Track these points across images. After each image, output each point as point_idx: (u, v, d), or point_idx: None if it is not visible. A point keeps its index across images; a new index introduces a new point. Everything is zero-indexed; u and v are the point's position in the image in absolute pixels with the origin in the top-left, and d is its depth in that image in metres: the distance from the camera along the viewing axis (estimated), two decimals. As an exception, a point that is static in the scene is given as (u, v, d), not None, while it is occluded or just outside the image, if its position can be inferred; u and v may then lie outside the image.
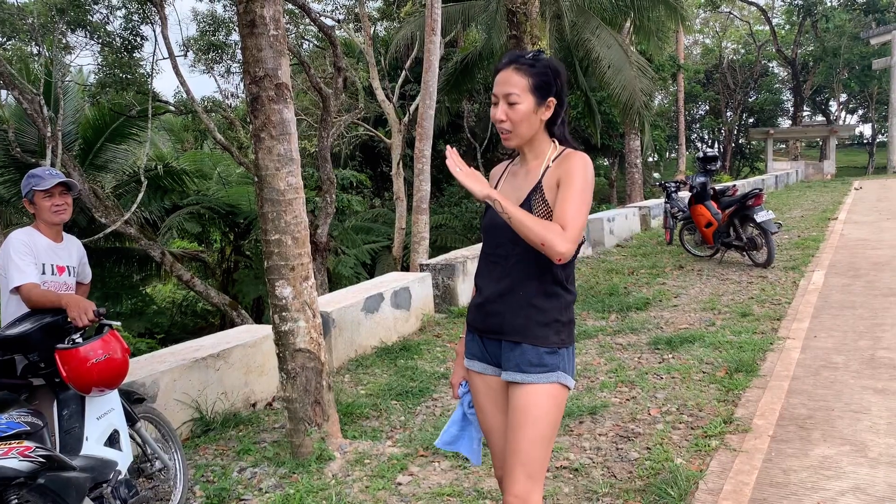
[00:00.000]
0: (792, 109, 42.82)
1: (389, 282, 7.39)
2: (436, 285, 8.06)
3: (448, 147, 2.26)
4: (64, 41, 13.54)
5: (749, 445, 3.90)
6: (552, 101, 2.24)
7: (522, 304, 2.24)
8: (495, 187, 2.39)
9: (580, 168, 2.18)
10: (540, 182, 2.23)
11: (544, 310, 2.23)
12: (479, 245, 3.49)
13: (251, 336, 5.43)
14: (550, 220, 2.16)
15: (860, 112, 47.28)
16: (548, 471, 3.81)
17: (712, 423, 4.26)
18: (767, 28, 40.85)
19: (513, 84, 2.19)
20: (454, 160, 2.16)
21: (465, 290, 8.10)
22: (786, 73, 44.20)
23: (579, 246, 2.21)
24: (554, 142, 2.30)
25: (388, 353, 6.42)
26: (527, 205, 2.22)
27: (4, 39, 15.10)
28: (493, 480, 3.74)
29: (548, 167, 2.25)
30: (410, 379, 5.63)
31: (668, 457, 3.83)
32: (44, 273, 3.35)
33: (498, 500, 3.55)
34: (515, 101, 2.19)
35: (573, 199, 2.13)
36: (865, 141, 48.37)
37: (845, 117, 48.53)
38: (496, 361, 2.35)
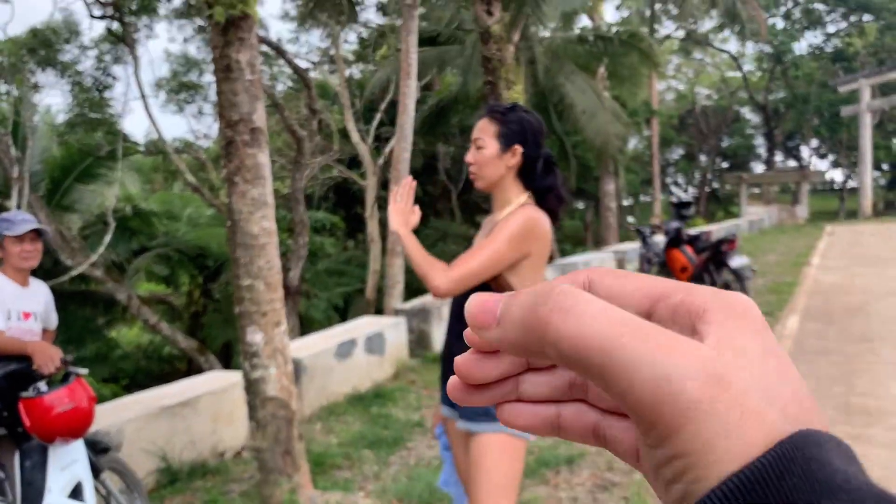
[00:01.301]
0: (765, 154, 43.73)
1: (363, 326, 7.28)
2: (410, 330, 7.96)
3: (408, 178, 2.37)
4: (33, 80, 13.44)
5: (730, 496, 3.83)
6: (517, 148, 2.29)
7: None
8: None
9: (511, 221, 2.23)
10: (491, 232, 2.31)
11: None
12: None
13: (220, 383, 5.29)
14: (500, 279, 2.25)
15: (831, 157, 48.40)
16: (525, 524, 3.71)
17: (692, 472, 4.19)
18: (739, 74, 41.91)
19: (482, 130, 2.31)
20: (401, 191, 2.31)
21: (439, 335, 8.00)
22: (758, 119, 45.22)
23: None
24: (525, 195, 2.34)
25: (360, 401, 6.29)
26: None
27: (-26, 78, 14.96)
28: (470, 535, 3.63)
29: (501, 218, 2.31)
30: (384, 427, 5.50)
31: (648, 509, 3.76)
32: (9, 319, 3.25)
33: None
34: (481, 145, 2.30)
35: (482, 246, 2.22)
36: (837, 186, 49.43)
37: (817, 163, 49.63)
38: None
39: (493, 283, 2.24)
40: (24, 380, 3.06)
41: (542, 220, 2.27)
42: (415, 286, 18.28)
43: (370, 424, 5.61)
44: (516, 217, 2.24)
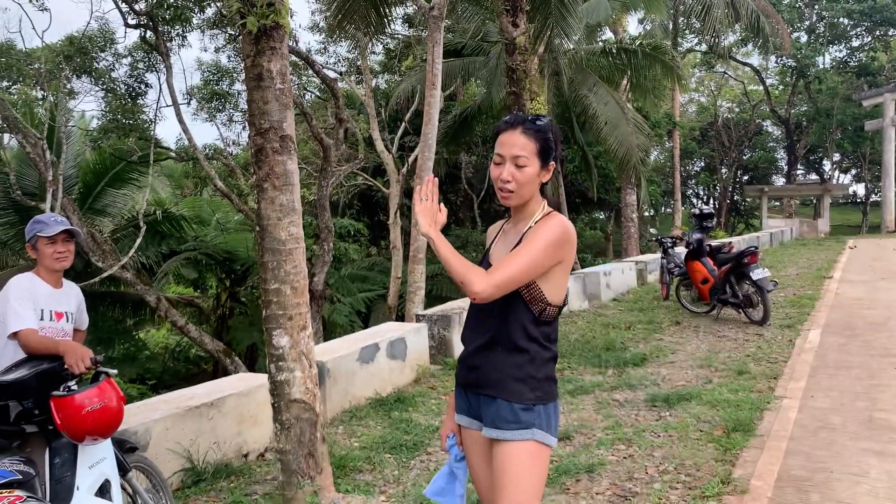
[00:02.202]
0: (786, 168, 43.35)
1: (385, 332, 7.36)
2: (431, 336, 8.03)
3: (430, 175, 2.32)
4: (69, 87, 13.73)
5: (747, 507, 3.86)
6: (552, 165, 2.30)
7: (499, 359, 2.26)
8: (490, 245, 2.49)
9: (546, 228, 2.24)
10: (520, 241, 2.29)
11: (519, 365, 2.25)
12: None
13: (245, 385, 5.39)
14: (532, 284, 2.24)
15: (853, 171, 47.86)
16: (544, 530, 3.75)
17: (710, 483, 4.21)
18: (762, 88, 41.65)
19: (521, 146, 2.24)
20: (426, 189, 2.26)
21: (460, 342, 8.05)
22: (780, 132, 44.87)
23: (559, 309, 2.28)
24: (544, 202, 2.36)
25: (382, 405, 6.36)
26: None
27: (10, 84, 15.29)
28: (488, 539, 3.68)
29: (530, 227, 2.31)
30: (405, 432, 5.57)
31: (666, 517, 3.78)
32: (42, 319, 3.35)
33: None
34: (524, 163, 2.25)
35: (519, 252, 2.21)
36: (859, 200, 48.85)
37: (839, 176, 49.09)
38: (479, 416, 2.37)
39: (525, 289, 2.25)
40: (55, 379, 3.12)
41: (572, 228, 2.30)
42: (436, 293, 18.35)
43: (391, 429, 5.68)
44: (552, 225, 2.24)
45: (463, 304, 8.94)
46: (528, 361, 2.25)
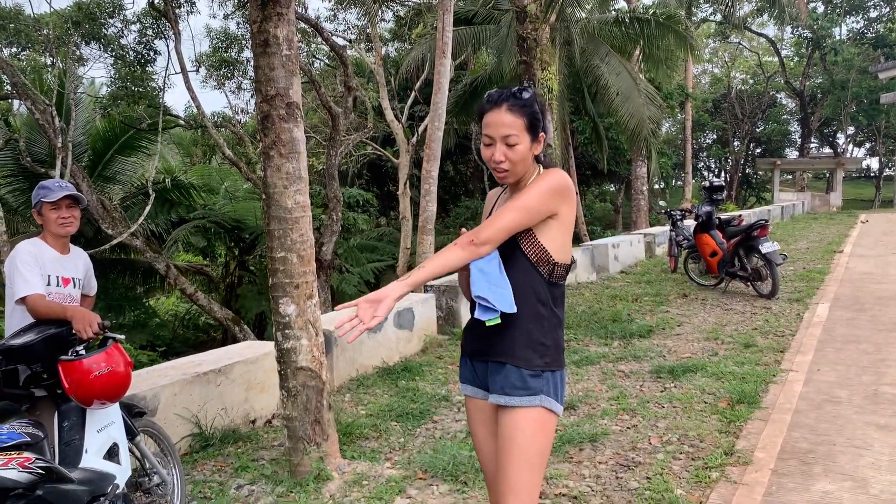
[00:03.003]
0: (799, 141, 42.89)
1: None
2: (439, 306, 8.06)
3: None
4: (77, 53, 13.68)
5: (750, 478, 3.88)
6: (542, 136, 2.28)
7: (507, 325, 2.25)
8: (491, 211, 2.49)
9: (541, 178, 2.24)
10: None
11: (528, 331, 2.24)
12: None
13: (253, 352, 5.43)
14: (531, 235, 2.23)
15: (868, 145, 47.31)
16: (546, 497, 3.79)
17: (713, 454, 4.23)
18: (776, 59, 41.06)
19: (509, 125, 2.21)
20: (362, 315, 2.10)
21: (468, 312, 8.07)
22: (794, 105, 44.32)
23: (566, 269, 2.28)
24: (539, 167, 2.34)
25: (389, 374, 6.41)
26: None
27: (19, 50, 15.24)
28: (492, 506, 3.72)
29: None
30: (411, 400, 5.61)
31: (669, 487, 3.81)
32: (49, 284, 3.36)
33: (495, 525, 3.52)
34: (515, 142, 2.22)
35: (513, 203, 2.20)
36: (872, 174, 48.39)
37: (853, 150, 48.56)
38: (485, 385, 2.38)
39: (528, 246, 2.24)
40: (63, 344, 3.16)
41: (570, 181, 2.28)
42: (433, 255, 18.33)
43: (398, 397, 5.73)
44: (548, 176, 2.24)
45: (470, 274, 8.94)
46: (538, 327, 2.25)
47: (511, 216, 2.18)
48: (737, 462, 4.12)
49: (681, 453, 4.33)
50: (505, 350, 2.26)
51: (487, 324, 2.23)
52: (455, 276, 8.84)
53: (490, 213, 2.48)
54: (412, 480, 4.11)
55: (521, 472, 2.21)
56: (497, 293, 2.22)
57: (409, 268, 15.01)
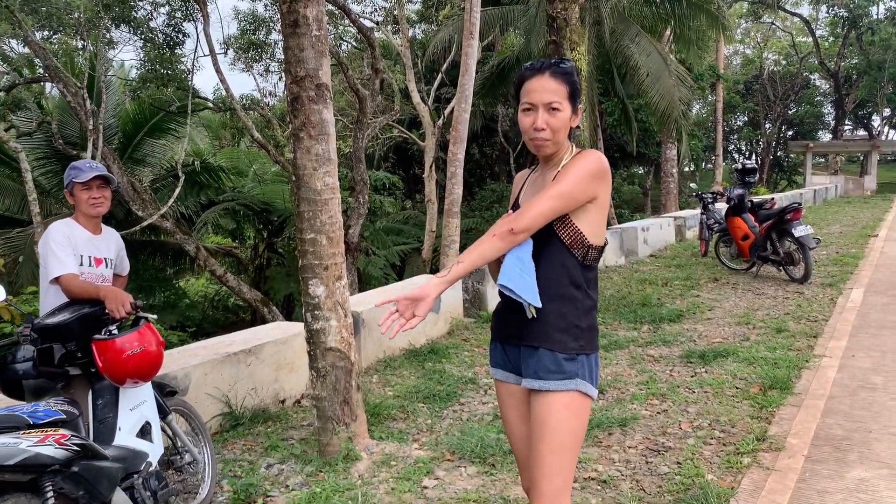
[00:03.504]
0: (833, 123, 42.10)
1: (420, 284, 7.38)
2: (465, 289, 8.04)
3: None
4: (108, 36, 13.78)
5: (782, 464, 3.83)
6: (580, 109, 2.26)
7: (541, 309, 2.21)
8: (519, 193, 2.44)
9: (580, 161, 2.20)
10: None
11: (563, 314, 2.21)
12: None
13: (282, 333, 5.46)
14: (566, 218, 2.19)
15: (904, 127, 46.30)
16: (575, 481, 3.77)
17: (745, 440, 4.18)
18: (810, 40, 40.21)
19: (553, 91, 2.18)
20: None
21: (494, 295, 8.03)
22: (828, 86, 43.47)
23: (600, 251, 2.25)
24: (572, 145, 2.30)
25: (416, 356, 6.42)
26: None
27: (51, 33, 15.39)
28: (519, 488, 3.71)
29: (558, 171, 2.25)
30: (438, 382, 5.62)
31: (699, 472, 3.77)
32: (81, 264, 3.39)
33: (524, 508, 3.52)
34: (558, 108, 2.18)
35: (549, 190, 2.16)
36: (909, 157, 47.41)
37: (888, 132, 47.52)
38: (517, 369, 2.34)
39: (563, 230, 2.20)
40: (96, 323, 3.19)
41: (607, 163, 2.24)
42: (469, 247, 18.33)
43: (425, 379, 5.74)
44: (586, 159, 2.20)
45: (498, 257, 8.90)
46: (572, 310, 2.21)
47: (549, 204, 2.15)
48: (769, 448, 4.07)
49: (712, 438, 4.29)
50: (539, 334, 2.22)
51: (529, 314, 2.21)
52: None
53: (518, 196, 2.44)
54: (440, 462, 4.12)
55: (555, 456, 2.18)
56: (526, 283, 2.20)
57: (435, 251, 15.02)
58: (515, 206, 2.42)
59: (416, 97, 17.40)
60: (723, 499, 3.45)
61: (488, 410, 4.99)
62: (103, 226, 3.64)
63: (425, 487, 3.80)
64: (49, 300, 3.33)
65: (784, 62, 43.99)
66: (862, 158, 38.44)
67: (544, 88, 2.18)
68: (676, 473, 3.82)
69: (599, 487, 3.73)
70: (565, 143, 2.28)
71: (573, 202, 2.17)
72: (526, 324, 2.25)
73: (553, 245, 2.22)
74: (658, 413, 4.77)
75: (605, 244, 2.31)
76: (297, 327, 5.52)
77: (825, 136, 44.08)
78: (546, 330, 2.21)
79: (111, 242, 3.65)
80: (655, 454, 4.11)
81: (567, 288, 2.22)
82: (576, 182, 2.16)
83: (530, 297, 2.19)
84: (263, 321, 10.02)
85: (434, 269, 15.11)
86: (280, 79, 20.85)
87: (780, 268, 9.36)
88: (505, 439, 4.33)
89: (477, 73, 12.62)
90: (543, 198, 2.16)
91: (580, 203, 2.19)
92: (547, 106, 2.18)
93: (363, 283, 14.64)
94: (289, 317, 14.20)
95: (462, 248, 13.20)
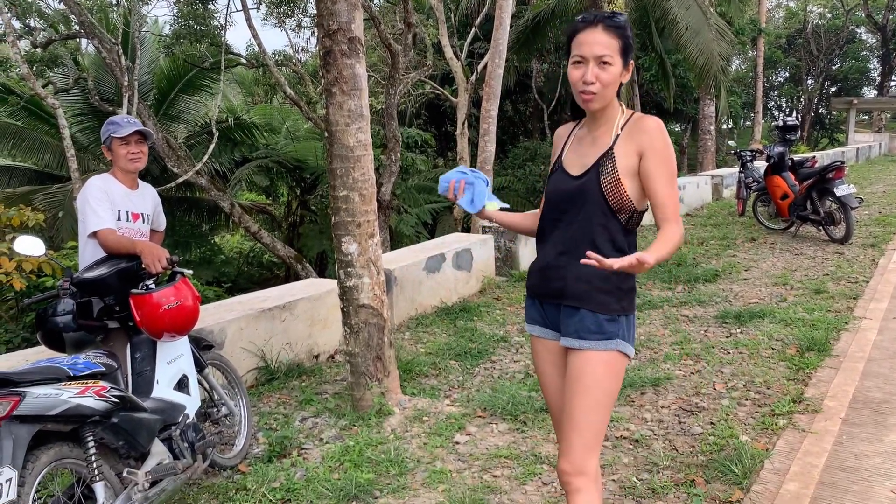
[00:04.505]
0: (879, 79, 40.69)
1: (451, 242, 7.37)
2: (497, 248, 8.01)
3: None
4: (141, -9, 13.76)
5: (819, 427, 3.78)
6: (632, 64, 2.20)
7: (584, 270, 2.17)
8: (562, 150, 2.38)
9: (662, 138, 2.18)
10: (612, 149, 2.20)
11: (606, 276, 2.19)
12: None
13: (316, 290, 5.50)
14: (618, 183, 2.16)
15: (954, 83, 44.61)
16: (607, 440, 3.78)
17: (780, 401, 4.14)
18: (857, -9, 38.74)
19: (604, 45, 2.12)
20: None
21: (526, 255, 8.02)
22: (874, 40, 41.93)
23: (642, 213, 2.25)
24: (622, 105, 2.25)
25: (447, 314, 6.43)
26: (595, 170, 2.20)
27: (85, -11, 15.39)
28: (551, 445, 3.73)
29: (618, 134, 2.20)
30: (469, 340, 5.63)
31: (733, 433, 3.75)
32: (119, 219, 3.42)
33: (554, 465, 3.53)
34: (609, 62, 2.13)
35: (666, 176, 2.17)
36: (958, 114, 45.76)
37: (937, 89, 45.88)
38: (555, 326, 2.34)
39: (612, 195, 2.17)
40: (133, 278, 3.23)
41: None
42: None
43: (456, 337, 5.75)
44: (658, 133, 2.18)
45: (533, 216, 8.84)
46: (616, 272, 2.13)
47: (674, 188, 2.19)
48: (805, 410, 4.02)
49: (746, 400, 4.25)
50: (581, 294, 2.21)
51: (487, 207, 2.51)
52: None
53: (561, 153, 2.36)
54: (471, 418, 4.14)
55: (589, 413, 2.19)
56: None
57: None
58: (557, 164, 2.36)
59: (448, 52, 17.15)
60: (757, 460, 3.42)
61: (519, 368, 5.00)
62: (140, 181, 3.66)
63: (457, 443, 3.83)
64: (87, 255, 3.38)
65: (829, 15, 42.45)
66: (908, 116, 37.26)
67: (596, 41, 2.13)
68: (710, 434, 3.80)
69: (631, 446, 3.72)
70: (614, 100, 2.23)
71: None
72: (567, 283, 2.23)
73: (599, 207, 2.19)
74: (692, 373, 4.74)
75: (646, 209, 2.27)
76: (331, 284, 5.56)
77: (870, 93, 42.66)
78: (589, 291, 2.21)
79: (148, 198, 3.67)
80: (688, 414, 4.09)
81: (610, 251, 2.19)
82: (671, 159, 2.18)
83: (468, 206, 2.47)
84: (297, 278, 10.11)
85: (465, 228, 15.07)
86: (312, 34, 20.69)
87: (820, 228, 9.16)
88: (537, 397, 4.35)
89: (511, 27, 12.40)
90: (668, 193, 2.17)
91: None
92: (598, 59, 2.12)
93: (395, 241, 14.68)
94: (322, 274, 14.33)
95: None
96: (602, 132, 2.25)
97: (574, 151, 2.32)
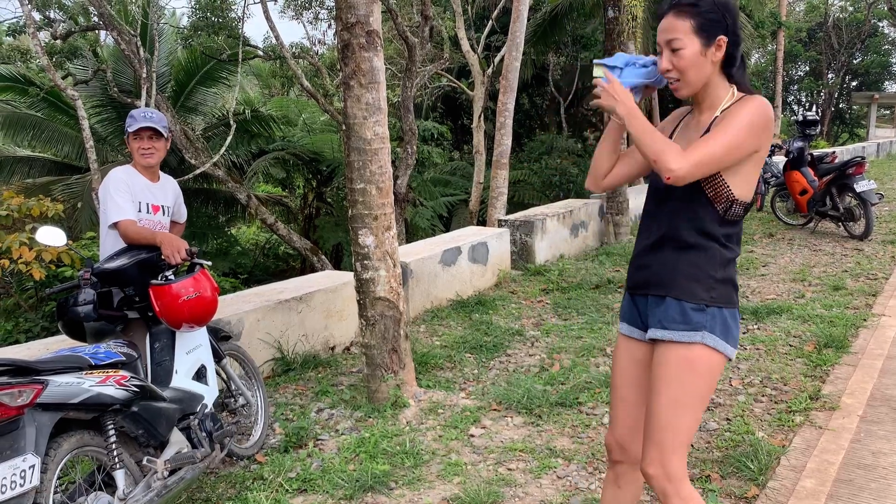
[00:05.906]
0: (901, 73, 40.20)
1: (467, 236, 7.38)
2: (513, 242, 8.00)
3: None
4: (160, -17, 13.79)
5: (836, 424, 3.76)
6: (722, 39, 2.03)
7: (670, 257, 2.10)
8: (672, 134, 2.25)
9: (746, 109, 2.00)
10: (707, 132, 2.06)
11: (695, 263, 2.06)
12: (560, 203, 3.15)
13: (332, 282, 5.53)
14: (717, 176, 2.03)
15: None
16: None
17: (797, 398, 4.12)
18: (880, -16, 38.23)
19: (672, 29, 2.04)
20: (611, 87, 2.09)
21: (542, 248, 8.01)
22: (896, 34, 41.40)
23: (749, 206, 2.09)
24: (732, 88, 2.10)
25: (463, 307, 6.44)
26: None
27: (104, -19, 15.45)
28: (566, 439, 3.73)
29: (716, 117, 2.07)
30: (485, 333, 5.64)
31: (749, 429, 3.73)
32: (139, 211, 3.45)
33: (569, 459, 3.54)
34: (678, 46, 2.03)
35: (716, 132, 1.98)
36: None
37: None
38: (643, 323, 2.21)
39: (708, 184, 2.04)
40: (153, 268, 3.27)
41: (773, 113, 2.06)
42: (518, 199, 18.16)
43: (472, 330, 5.76)
44: (754, 105, 2.01)
45: (546, 210, 8.82)
46: (705, 259, 2.07)
47: (723, 147, 1.97)
48: (822, 407, 4.00)
49: (763, 396, 4.23)
50: (666, 282, 2.10)
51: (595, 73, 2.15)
52: (531, 211, 8.75)
53: (670, 137, 2.24)
54: (486, 411, 4.15)
55: (666, 412, 2.05)
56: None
57: (482, 203, 14.93)
58: None
59: (465, 45, 17.12)
60: (773, 456, 3.41)
61: (535, 363, 5.00)
62: (161, 173, 3.69)
63: (472, 436, 3.84)
64: (108, 245, 3.41)
65: (851, 8, 41.93)
66: (930, 111, 36.78)
67: (663, 28, 2.06)
68: (726, 430, 3.79)
69: (647, 441, 3.72)
70: (719, 82, 2.10)
71: (740, 153, 2.00)
72: (654, 271, 2.14)
73: (695, 193, 2.07)
74: (708, 369, 4.72)
75: (753, 202, 2.17)
76: (347, 276, 5.59)
77: (891, 88, 42.16)
78: (675, 278, 2.08)
79: (168, 190, 3.70)
80: (705, 410, 4.07)
81: (697, 238, 2.07)
82: (745, 131, 1.98)
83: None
84: (313, 270, 10.16)
85: (481, 222, 15.06)
86: (329, 26, 20.69)
87: (839, 224, 9.08)
88: (552, 391, 4.35)
89: (528, 19, 12.34)
90: (712, 142, 1.98)
91: (744, 155, 2.02)
92: (668, 45, 2.05)
93: (410, 234, 14.69)
94: (337, 266, 14.37)
95: (510, 200, 13.09)
96: (706, 117, 2.13)
97: (681, 136, 2.21)
